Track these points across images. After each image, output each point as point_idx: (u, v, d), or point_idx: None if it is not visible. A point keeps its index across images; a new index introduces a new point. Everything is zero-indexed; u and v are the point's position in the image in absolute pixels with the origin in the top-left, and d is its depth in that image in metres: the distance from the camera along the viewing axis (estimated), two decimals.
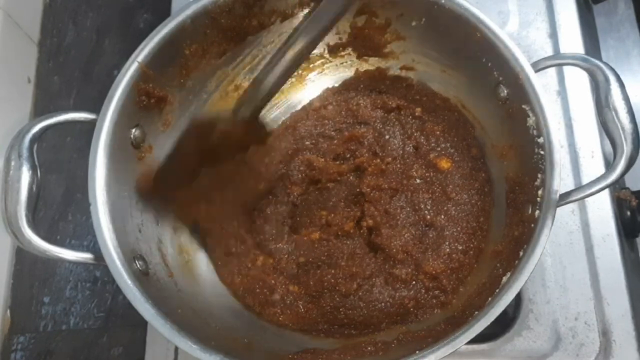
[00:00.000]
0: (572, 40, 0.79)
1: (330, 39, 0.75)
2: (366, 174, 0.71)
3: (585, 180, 0.72)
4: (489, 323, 0.49)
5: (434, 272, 0.65)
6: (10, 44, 0.86)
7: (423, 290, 0.66)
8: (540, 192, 0.55)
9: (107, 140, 0.57)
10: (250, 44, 0.71)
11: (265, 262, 0.69)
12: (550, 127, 0.56)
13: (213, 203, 0.69)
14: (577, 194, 0.54)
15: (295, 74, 0.78)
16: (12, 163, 0.54)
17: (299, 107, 0.79)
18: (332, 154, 0.74)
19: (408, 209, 0.70)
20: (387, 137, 0.74)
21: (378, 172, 0.71)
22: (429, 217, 0.68)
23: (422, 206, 0.69)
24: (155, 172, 0.62)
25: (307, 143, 0.76)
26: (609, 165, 0.54)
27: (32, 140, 0.55)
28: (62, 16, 0.96)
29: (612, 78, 0.54)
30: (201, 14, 0.63)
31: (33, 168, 0.54)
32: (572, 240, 0.70)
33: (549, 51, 0.79)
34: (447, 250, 0.67)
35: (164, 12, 0.81)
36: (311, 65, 0.78)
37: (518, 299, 0.68)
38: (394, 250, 0.67)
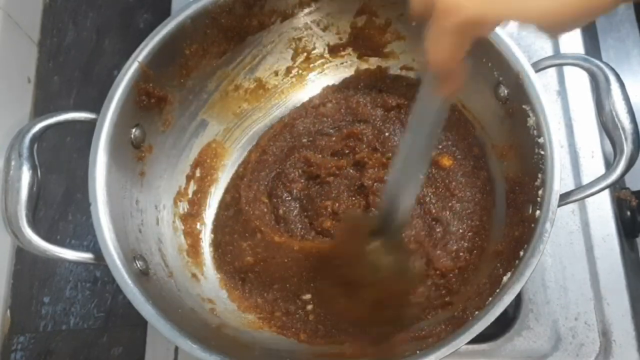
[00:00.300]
0: (572, 40, 0.79)
1: (331, 39, 0.75)
2: (367, 167, 0.71)
3: (585, 180, 0.72)
4: (489, 323, 0.49)
5: (444, 269, 0.65)
6: (10, 44, 0.86)
7: (433, 288, 0.66)
8: (540, 192, 0.55)
9: (107, 140, 0.57)
10: (250, 44, 0.71)
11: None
12: (550, 127, 0.56)
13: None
14: (577, 194, 0.54)
15: (295, 73, 0.78)
16: (12, 163, 0.54)
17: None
18: (330, 150, 0.74)
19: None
20: (387, 134, 0.74)
21: (379, 166, 0.71)
22: (434, 210, 0.68)
23: (427, 199, 0.69)
24: None
25: (304, 140, 0.75)
26: (609, 165, 0.54)
27: (32, 140, 0.55)
28: (62, 16, 0.96)
29: (612, 78, 0.54)
30: (201, 13, 0.63)
31: (33, 168, 0.54)
32: (572, 240, 0.70)
33: (549, 51, 0.79)
34: (455, 247, 0.66)
35: (164, 12, 0.81)
36: (311, 66, 0.78)
37: (518, 299, 0.68)
38: (406, 239, 0.66)
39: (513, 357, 0.66)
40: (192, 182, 0.72)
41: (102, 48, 0.94)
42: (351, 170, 0.72)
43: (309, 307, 0.67)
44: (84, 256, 0.55)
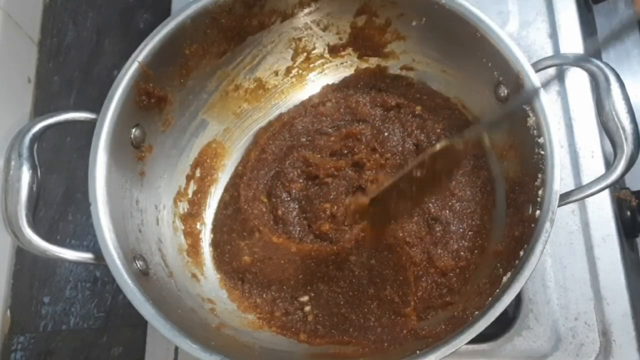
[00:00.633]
0: (572, 40, 0.79)
1: (331, 39, 0.75)
2: (365, 169, 0.71)
3: (585, 180, 0.72)
4: (489, 323, 0.49)
5: (445, 268, 0.65)
6: (10, 44, 0.86)
7: (434, 286, 0.66)
8: (540, 192, 0.55)
9: (108, 140, 0.57)
10: (250, 44, 0.71)
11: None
12: (550, 127, 0.56)
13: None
14: (577, 194, 0.54)
15: (295, 73, 0.78)
16: (13, 163, 0.54)
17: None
18: (328, 150, 0.74)
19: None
20: (386, 134, 0.74)
21: (377, 167, 0.71)
22: (433, 210, 0.68)
23: (426, 200, 0.69)
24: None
25: (303, 140, 0.76)
26: (609, 165, 0.54)
27: (32, 140, 0.55)
28: (62, 16, 0.96)
29: (612, 78, 0.54)
30: (201, 13, 0.63)
31: (33, 168, 0.54)
32: (572, 240, 0.70)
33: (549, 51, 0.79)
34: (455, 246, 0.67)
35: (164, 12, 0.81)
36: (311, 65, 0.78)
37: (518, 299, 0.68)
38: (406, 234, 0.67)
39: (513, 357, 0.66)
40: (192, 182, 0.72)
41: (102, 48, 0.94)
42: (350, 171, 0.72)
43: (307, 308, 0.67)
44: (84, 256, 0.55)
